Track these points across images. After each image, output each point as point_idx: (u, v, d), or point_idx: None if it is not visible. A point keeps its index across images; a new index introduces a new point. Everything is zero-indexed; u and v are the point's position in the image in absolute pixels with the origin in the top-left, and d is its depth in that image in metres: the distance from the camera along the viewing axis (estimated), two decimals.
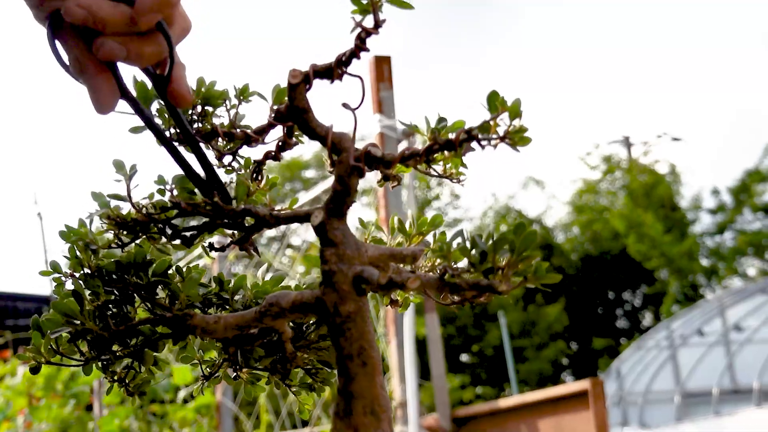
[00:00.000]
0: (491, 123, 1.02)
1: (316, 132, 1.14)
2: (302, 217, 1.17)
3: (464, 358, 26.64)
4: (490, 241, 1.01)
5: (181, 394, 7.00)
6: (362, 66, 4.60)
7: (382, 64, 4.41)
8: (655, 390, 17.15)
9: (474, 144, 1.02)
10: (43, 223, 7.26)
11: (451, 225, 29.33)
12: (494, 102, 1.04)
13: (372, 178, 1.20)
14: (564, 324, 24.80)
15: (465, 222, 29.75)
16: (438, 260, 1.23)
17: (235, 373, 1.31)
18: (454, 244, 1.07)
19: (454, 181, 1.22)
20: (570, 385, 4.84)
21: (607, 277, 26.85)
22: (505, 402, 5.24)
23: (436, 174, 1.19)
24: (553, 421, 4.88)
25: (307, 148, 29.47)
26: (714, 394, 15.41)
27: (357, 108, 1.10)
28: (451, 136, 1.06)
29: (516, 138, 1.03)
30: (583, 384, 4.70)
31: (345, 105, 1.09)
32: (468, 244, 1.03)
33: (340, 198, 1.13)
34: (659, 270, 25.76)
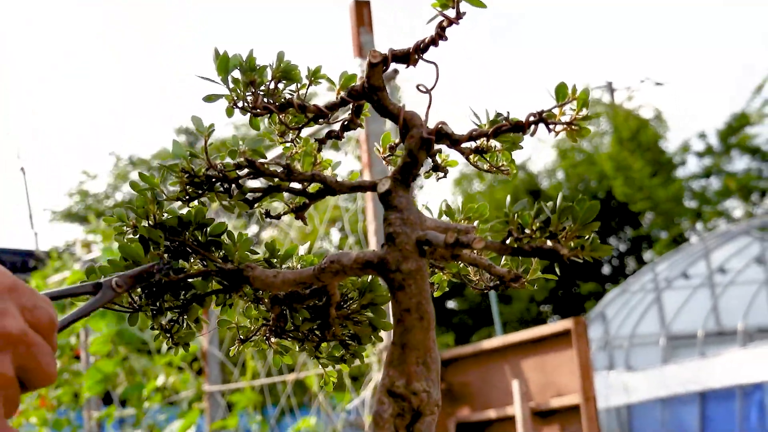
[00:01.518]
0: (557, 110, 1.14)
1: (389, 110, 1.24)
2: (367, 186, 1.27)
3: (451, 304, 26.89)
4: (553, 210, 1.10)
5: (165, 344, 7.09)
6: (342, 10, 4.64)
7: (362, 8, 4.38)
8: (641, 333, 17.38)
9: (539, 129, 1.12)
10: (27, 177, 7.29)
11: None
12: (563, 91, 1.15)
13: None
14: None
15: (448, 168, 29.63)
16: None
17: (268, 339, 1.39)
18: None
19: (504, 172, 1.32)
20: (553, 325, 4.83)
21: None
22: (489, 343, 5.20)
23: (484, 168, 1.29)
24: (537, 360, 4.87)
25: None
26: (699, 336, 15.65)
27: (432, 89, 1.21)
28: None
29: (582, 125, 1.14)
30: (566, 323, 4.74)
31: (419, 86, 1.18)
32: (533, 213, 1.12)
33: (408, 169, 1.23)
34: (645, 214, 26.05)
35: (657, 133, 26.51)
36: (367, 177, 1.24)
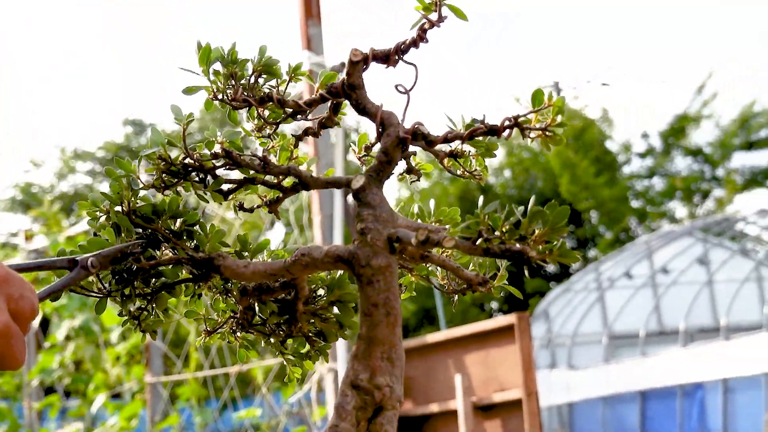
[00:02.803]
0: (533, 116, 1.16)
1: (367, 108, 1.26)
2: (342, 183, 1.28)
3: None
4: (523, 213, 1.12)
5: (114, 335, 7.09)
6: (291, 2, 4.64)
7: (311, 0, 4.45)
8: (583, 332, 17.50)
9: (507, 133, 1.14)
10: None
11: None
12: (539, 98, 1.17)
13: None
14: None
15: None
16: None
17: (235, 332, 1.40)
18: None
19: (477, 178, 1.34)
20: (496, 320, 4.81)
21: None
22: (432, 337, 5.21)
23: (457, 174, 1.31)
24: (480, 354, 4.87)
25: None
26: (641, 336, 15.78)
27: (410, 90, 1.23)
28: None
29: (555, 132, 1.16)
30: (509, 318, 4.71)
31: (398, 86, 1.21)
32: (502, 215, 1.14)
33: (383, 167, 1.25)
34: (589, 212, 26.37)
35: (602, 133, 26.84)
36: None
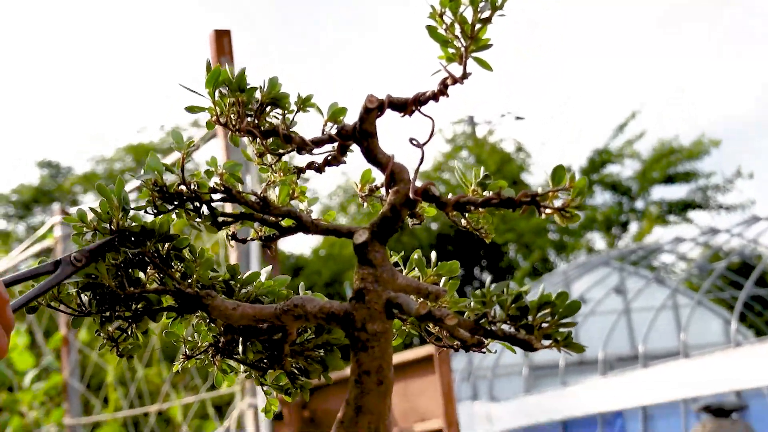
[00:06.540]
0: (551, 193, 1.10)
1: (377, 158, 1.18)
2: (343, 232, 1.21)
3: None
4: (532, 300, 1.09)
5: (28, 377, 6.92)
6: (202, 40, 4.59)
7: (223, 38, 4.32)
8: (504, 364, 17.61)
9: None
10: None
11: None
12: (560, 174, 1.11)
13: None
14: None
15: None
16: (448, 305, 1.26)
17: (214, 357, 1.33)
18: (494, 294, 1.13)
19: (482, 235, 1.26)
20: (416, 351, 4.80)
21: (456, 254, 27.36)
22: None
23: (462, 226, 1.24)
24: (400, 386, 4.88)
25: (156, 134, 29.01)
26: (561, 366, 16.00)
27: (425, 144, 1.17)
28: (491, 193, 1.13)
29: (572, 212, 1.10)
30: (429, 348, 4.68)
31: (412, 140, 1.16)
32: (510, 299, 1.10)
33: (388, 224, 1.17)
34: (508, 245, 26.62)
35: (521, 166, 27.17)
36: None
